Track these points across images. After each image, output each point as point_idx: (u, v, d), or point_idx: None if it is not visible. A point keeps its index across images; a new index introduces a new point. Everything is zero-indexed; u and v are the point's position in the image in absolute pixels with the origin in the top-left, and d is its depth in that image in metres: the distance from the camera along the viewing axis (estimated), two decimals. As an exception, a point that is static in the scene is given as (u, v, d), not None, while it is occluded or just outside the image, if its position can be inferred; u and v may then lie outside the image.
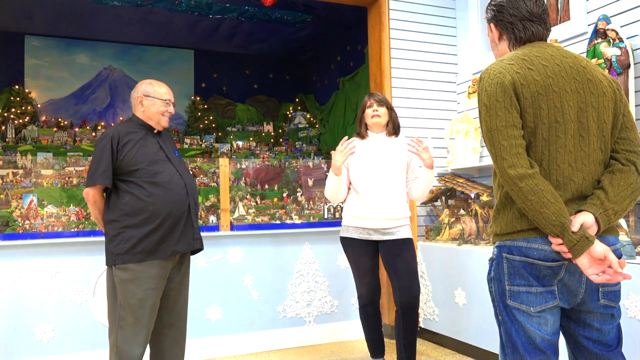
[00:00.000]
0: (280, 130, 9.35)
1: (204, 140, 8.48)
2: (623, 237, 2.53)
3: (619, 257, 1.50)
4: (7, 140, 7.41)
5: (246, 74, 9.46)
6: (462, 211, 3.69)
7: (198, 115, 8.90)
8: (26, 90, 7.98)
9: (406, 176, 3.00)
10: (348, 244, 3.01)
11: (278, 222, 4.45)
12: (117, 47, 8.56)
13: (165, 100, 2.59)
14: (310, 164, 6.24)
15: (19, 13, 7.25)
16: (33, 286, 3.26)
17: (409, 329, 2.88)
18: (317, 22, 7.59)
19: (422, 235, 4.06)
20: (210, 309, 3.65)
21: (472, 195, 3.65)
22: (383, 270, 3.52)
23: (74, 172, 6.02)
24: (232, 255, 3.73)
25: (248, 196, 5.77)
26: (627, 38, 2.87)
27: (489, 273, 1.62)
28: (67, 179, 5.88)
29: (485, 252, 3.23)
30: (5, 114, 7.65)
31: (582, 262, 1.40)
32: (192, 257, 2.73)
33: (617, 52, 2.82)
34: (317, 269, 3.97)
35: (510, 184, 1.45)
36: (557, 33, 3.34)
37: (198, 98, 9.02)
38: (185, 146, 8.15)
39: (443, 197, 4.00)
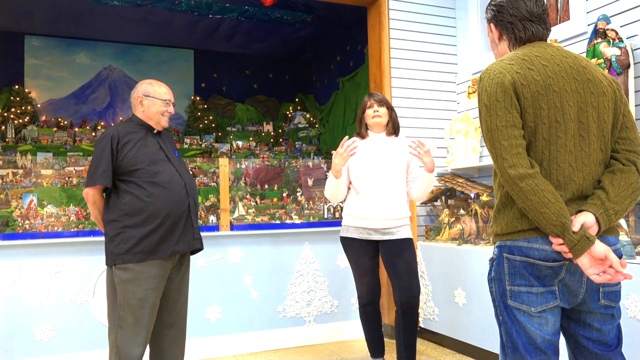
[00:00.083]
0: (280, 130, 9.35)
1: (203, 140, 8.48)
2: (623, 237, 2.53)
3: (620, 257, 1.50)
4: (7, 140, 7.41)
5: (246, 74, 9.47)
6: (462, 211, 3.69)
7: (198, 115, 8.90)
8: (26, 90, 7.98)
9: (406, 176, 3.00)
10: (348, 243, 3.01)
11: (278, 222, 4.45)
12: (117, 47, 8.56)
13: (165, 100, 2.58)
14: (310, 163, 6.24)
15: (19, 13, 7.25)
16: (33, 286, 3.26)
17: (409, 329, 2.88)
18: (317, 22, 7.59)
19: (422, 235, 4.06)
20: (210, 308, 3.65)
21: (472, 195, 3.66)
22: (383, 270, 3.52)
23: (74, 172, 6.02)
24: (232, 255, 3.73)
25: (248, 196, 5.77)
26: (626, 38, 2.87)
27: (489, 273, 1.62)
28: (67, 178, 5.88)
29: (485, 252, 3.23)
30: (5, 114, 7.65)
31: (583, 262, 1.40)
32: (192, 257, 2.73)
33: (617, 52, 2.82)
34: (317, 269, 3.97)
35: (511, 183, 1.45)
36: (557, 33, 3.34)
37: (198, 98, 9.02)
38: (185, 146, 8.15)
39: (443, 197, 4.00)
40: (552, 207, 1.41)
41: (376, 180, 2.91)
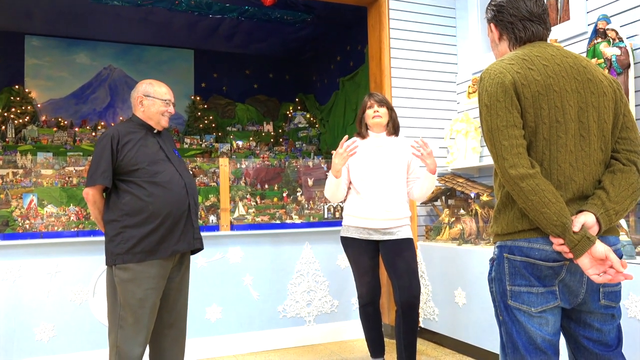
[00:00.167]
0: (280, 130, 9.35)
1: (204, 140, 8.48)
2: (623, 237, 2.53)
3: (620, 257, 1.50)
4: (7, 140, 7.41)
5: (246, 74, 9.47)
6: (462, 211, 3.69)
7: (198, 115, 8.90)
8: (26, 90, 7.98)
9: (407, 176, 3.00)
10: (348, 243, 3.01)
11: (278, 221, 4.45)
12: (117, 47, 8.56)
13: (165, 100, 2.58)
14: (310, 163, 6.24)
15: (19, 13, 7.25)
16: (33, 286, 3.26)
17: (409, 329, 2.88)
18: (317, 22, 7.59)
19: (422, 235, 4.06)
20: (210, 308, 3.65)
21: (472, 195, 3.65)
22: (383, 270, 3.52)
23: (74, 172, 6.02)
24: (232, 255, 3.73)
25: (248, 196, 5.77)
26: (627, 38, 2.87)
27: (489, 273, 1.62)
28: (67, 178, 5.88)
29: (485, 252, 3.23)
30: (5, 114, 7.65)
31: (584, 262, 1.40)
32: (192, 256, 2.73)
33: (617, 51, 2.82)
34: (317, 269, 3.97)
35: (512, 183, 1.45)
36: (557, 33, 3.34)
37: (198, 98, 9.02)
38: (185, 146, 8.15)
39: (443, 197, 4.00)
40: (553, 207, 1.41)
41: (376, 180, 2.91)
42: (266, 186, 6.38)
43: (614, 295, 1.53)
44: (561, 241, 1.42)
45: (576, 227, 1.41)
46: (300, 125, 9.17)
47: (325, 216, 4.37)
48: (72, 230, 4.16)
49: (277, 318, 3.83)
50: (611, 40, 2.87)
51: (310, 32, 8.21)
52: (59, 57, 8.22)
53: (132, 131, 2.51)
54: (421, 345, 3.75)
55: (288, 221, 4.39)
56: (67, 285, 3.33)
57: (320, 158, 7.61)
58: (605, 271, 1.41)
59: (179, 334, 2.60)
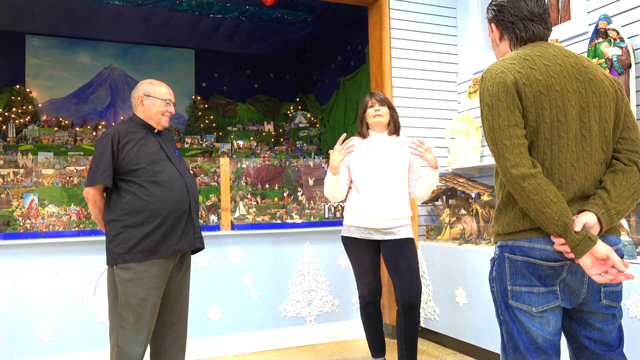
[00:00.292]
0: (280, 130, 9.35)
1: (204, 140, 8.48)
2: (624, 237, 2.53)
3: (621, 257, 1.50)
4: (8, 139, 7.41)
5: (247, 74, 9.47)
6: (462, 211, 3.69)
7: (199, 115, 8.90)
8: (27, 90, 7.99)
9: (408, 176, 3.00)
10: (349, 243, 3.01)
11: (279, 221, 4.44)
12: (117, 47, 8.56)
13: (166, 100, 2.59)
14: (311, 163, 6.24)
15: (20, 13, 7.26)
16: (34, 285, 3.26)
17: (410, 329, 2.88)
18: (318, 21, 7.59)
19: (422, 234, 4.06)
20: (211, 308, 3.65)
21: (473, 195, 3.65)
22: (384, 269, 3.52)
23: (75, 171, 6.02)
24: (233, 255, 3.73)
25: (249, 196, 5.77)
26: (628, 38, 2.87)
27: (490, 273, 1.62)
28: (67, 178, 5.88)
29: (486, 251, 3.23)
30: (6, 114, 7.65)
31: (585, 262, 1.40)
32: (192, 256, 2.73)
33: (618, 51, 2.82)
34: (318, 269, 3.97)
35: (513, 183, 1.45)
36: (558, 33, 3.33)
37: (199, 97, 9.02)
38: (186, 146, 8.16)
39: (444, 197, 4.00)
40: (554, 207, 1.41)
41: (377, 180, 2.91)
42: (267, 186, 6.38)
43: (615, 295, 1.53)
44: (562, 241, 1.42)
45: (577, 227, 1.41)
46: (300, 125, 9.17)
47: (326, 216, 4.37)
48: (73, 230, 4.16)
49: (277, 318, 3.83)
50: (612, 40, 2.87)
51: (310, 31, 8.22)
52: (60, 57, 8.22)
53: (132, 131, 2.51)
54: (422, 345, 3.75)
55: (289, 221, 4.38)
56: (68, 285, 3.33)
57: (321, 158, 7.61)
58: (607, 271, 1.41)
59: (179, 333, 2.60)
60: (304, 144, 8.87)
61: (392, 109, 3.04)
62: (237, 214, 4.45)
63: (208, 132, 8.76)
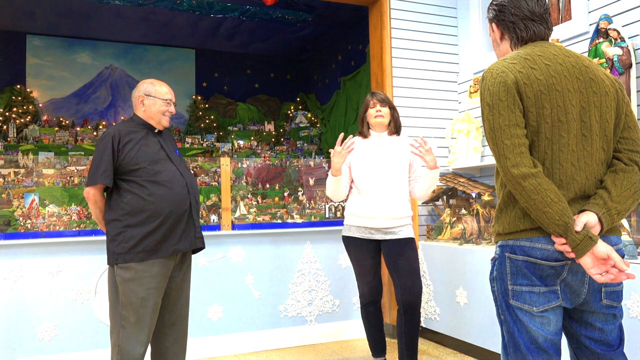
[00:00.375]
0: (281, 130, 9.35)
1: (205, 140, 8.49)
2: (625, 237, 2.53)
3: (622, 257, 1.50)
4: (8, 139, 7.42)
5: (247, 74, 9.47)
6: (463, 211, 3.69)
7: (199, 115, 8.90)
8: (28, 90, 7.99)
9: (409, 175, 3.00)
10: (350, 243, 3.01)
11: (279, 221, 4.45)
12: (118, 47, 8.57)
13: (166, 99, 2.59)
14: (312, 163, 6.24)
15: (20, 12, 7.26)
16: (35, 285, 3.26)
17: (411, 328, 2.88)
18: (318, 21, 7.59)
19: (423, 234, 4.06)
20: (212, 308, 3.65)
21: (474, 195, 3.65)
22: (385, 269, 3.52)
23: (76, 171, 6.02)
24: (234, 255, 3.73)
25: (249, 195, 5.77)
26: (628, 37, 2.87)
27: (491, 272, 1.62)
28: (68, 178, 5.89)
29: (486, 251, 3.23)
30: (7, 114, 7.66)
31: (586, 261, 1.40)
32: (193, 256, 2.74)
33: (619, 51, 2.82)
34: (319, 268, 3.97)
35: (514, 183, 1.45)
36: (558, 33, 3.33)
37: (199, 97, 9.02)
38: (187, 145, 8.16)
39: (444, 197, 4.00)
40: (555, 207, 1.41)
41: (378, 180, 2.91)
42: (267, 186, 6.38)
43: (615, 295, 1.53)
44: (563, 241, 1.42)
45: (578, 227, 1.41)
46: (301, 125, 9.17)
47: (327, 216, 4.37)
48: (74, 229, 4.17)
49: (278, 317, 3.83)
50: (613, 40, 2.87)
51: (311, 31, 8.21)
52: (61, 57, 8.23)
53: (133, 130, 2.51)
54: (422, 344, 3.75)
55: (289, 221, 4.39)
56: (68, 284, 3.33)
57: (321, 158, 7.61)
58: (608, 271, 1.41)
59: (180, 333, 2.60)
60: (305, 144, 8.87)
61: (393, 109, 3.04)
62: (237, 214, 4.45)
63: (209, 131, 8.76)
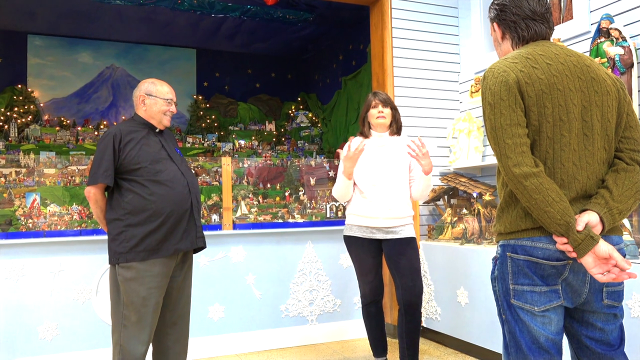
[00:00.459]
0: (282, 129, 9.35)
1: (206, 139, 8.49)
2: (626, 237, 2.53)
3: (623, 256, 1.49)
4: (10, 139, 7.42)
5: (248, 73, 9.47)
6: (464, 210, 3.69)
7: (200, 114, 8.90)
8: (29, 90, 8.00)
9: (409, 175, 3.00)
10: (351, 242, 3.01)
11: (280, 221, 4.45)
12: (119, 46, 8.57)
13: (167, 99, 2.59)
14: (313, 162, 6.23)
15: (21, 12, 7.27)
16: (36, 285, 3.27)
17: (412, 328, 2.88)
18: (319, 21, 7.59)
19: (424, 234, 4.06)
20: (213, 307, 3.65)
21: (475, 195, 3.65)
22: (386, 269, 3.52)
23: (77, 171, 6.03)
24: (235, 254, 3.73)
25: (250, 195, 5.77)
26: (630, 37, 2.87)
27: (492, 272, 1.62)
28: (69, 177, 5.89)
29: (487, 251, 3.23)
30: (8, 113, 7.67)
31: (587, 261, 1.40)
32: (194, 255, 2.74)
33: (620, 51, 2.81)
34: (320, 268, 3.97)
35: (515, 182, 1.45)
36: (560, 32, 3.33)
37: (200, 97, 9.02)
38: (188, 145, 8.16)
39: (445, 196, 4.00)
40: (557, 206, 1.41)
41: (379, 180, 2.91)
42: (268, 185, 6.38)
43: (616, 295, 1.53)
44: (565, 240, 1.42)
45: (580, 226, 1.41)
46: (302, 125, 9.17)
47: (328, 215, 4.37)
48: (75, 229, 4.17)
49: (279, 317, 3.83)
50: (614, 40, 2.87)
51: (312, 31, 8.21)
52: (62, 57, 8.23)
53: (134, 130, 2.51)
54: (423, 344, 3.75)
55: (290, 220, 4.39)
56: (70, 284, 3.34)
57: (322, 157, 7.61)
58: (609, 270, 1.41)
59: (181, 332, 2.60)
60: (306, 144, 8.87)
61: (394, 109, 3.05)
62: (238, 214, 4.45)
63: (209, 131, 8.76)
